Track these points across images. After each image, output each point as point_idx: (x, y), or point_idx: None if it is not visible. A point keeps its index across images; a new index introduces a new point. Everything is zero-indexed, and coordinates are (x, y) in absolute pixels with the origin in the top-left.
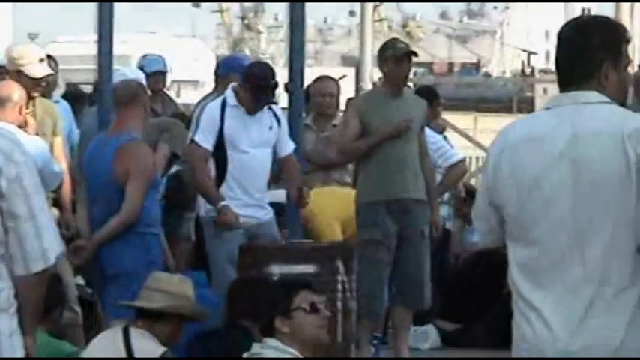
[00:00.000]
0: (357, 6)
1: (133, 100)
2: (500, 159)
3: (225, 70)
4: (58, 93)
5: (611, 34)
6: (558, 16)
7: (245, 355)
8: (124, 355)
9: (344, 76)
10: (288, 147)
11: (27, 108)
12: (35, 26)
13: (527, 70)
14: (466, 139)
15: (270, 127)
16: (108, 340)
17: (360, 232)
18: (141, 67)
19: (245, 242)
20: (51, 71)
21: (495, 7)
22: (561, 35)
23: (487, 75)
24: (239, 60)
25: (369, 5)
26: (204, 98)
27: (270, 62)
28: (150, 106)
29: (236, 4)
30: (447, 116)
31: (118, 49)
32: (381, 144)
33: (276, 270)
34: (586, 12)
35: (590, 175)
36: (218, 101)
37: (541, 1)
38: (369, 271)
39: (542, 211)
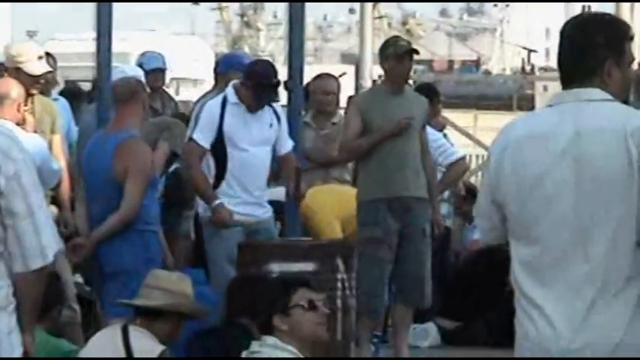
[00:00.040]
0: (356, 3)
1: (132, 98)
2: (502, 156)
3: (224, 67)
4: (56, 90)
5: (615, 31)
6: (559, 14)
7: (244, 353)
8: (122, 353)
9: (344, 73)
10: (287, 145)
11: (25, 105)
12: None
13: (528, 68)
14: (466, 136)
15: (271, 125)
16: (107, 339)
17: (361, 230)
18: (140, 65)
19: (244, 240)
20: (49, 69)
21: (495, 5)
22: (564, 32)
23: (487, 72)
24: (238, 57)
25: (369, 3)
26: (204, 96)
27: (269, 60)
28: (149, 103)
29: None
30: (447, 114)
31: (117, 47)
32: (382, 142)
33: (276, 268)
34: (586, 9)
35: (592, 172)
36: (218, 99)
37: (541, 1)
38: (370, 269)
39: (543, 209)
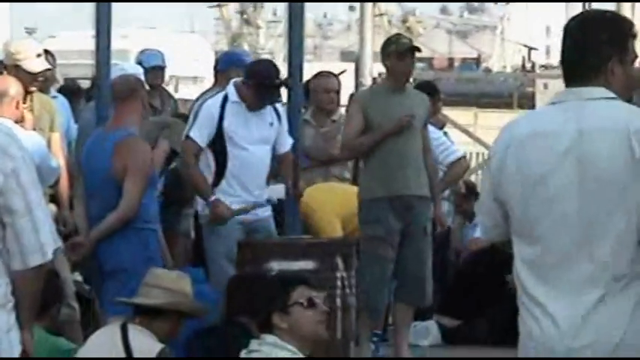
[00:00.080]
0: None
1: (131, 96)
2: (505, 155)
3: (224, 65)
4: (54, 88)
5: (618, 28)
6: (559, 12)
7: (243, 351)
8: (121, 352)
9: (344, 71)
10: (287, 144)
11: (24, 103)
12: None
13: (528, 66)
14: (466, 134)
15: (271, 124)
16: (106, 337)
17: (363, 229)
18: (139, 62)
19: (243, 238)
20: (48, 66)
21: (496, 2)
22: (567, 30)
23: (487, 70)
24: (238, 55)
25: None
26: (205, 93)
27: (269, 57)
28: (148, 101)
29: None
30: (447, 112)
31: (116, 44)
32: (384, 140)
33: (275, 266)
34: (587, 8)
35: (595, 172)
36: (219, 97)
37: (542, 1)
38: (372, 267)
39: (546, 208)
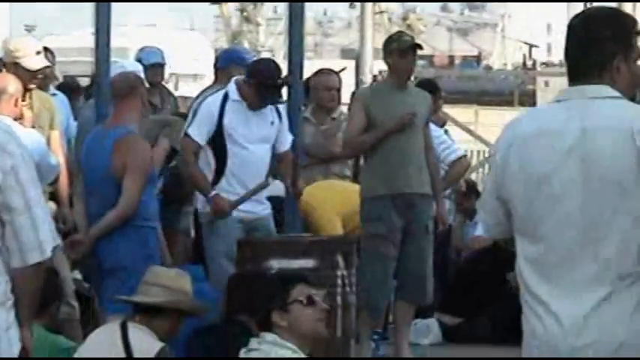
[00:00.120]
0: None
1: (130, 93)
2: (508, 153)
3: (224, 62)
4: (53, 85)
5: (622, 25)
6: (560, 9)
7: (242, 350)
8: (121, 350)
9: (344, 68)
10: (286, 143)
11: (23, 100)
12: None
13: (529, 63)
14: (467, 132)
15: (272, 123)
16: (105, 335)
17: (365, 227)
18: (139, 60)
19: (243, 237)
20: (48, 63)
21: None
22: (571, 26)
23: (488, 68)
24: (238, 52)
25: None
26: (205, 91)
27: (269, 55)
28: (148, 99)
29: None
30: (448, 110)
31: (116, 42)
32: (386, 138)
33: (275, 264)
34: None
35: (599, 172)
36: (219, 95)
37: (543, 1)
38: (374, 266)
39: (549, 208)
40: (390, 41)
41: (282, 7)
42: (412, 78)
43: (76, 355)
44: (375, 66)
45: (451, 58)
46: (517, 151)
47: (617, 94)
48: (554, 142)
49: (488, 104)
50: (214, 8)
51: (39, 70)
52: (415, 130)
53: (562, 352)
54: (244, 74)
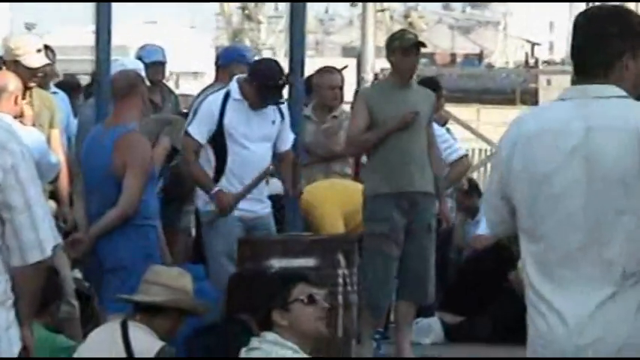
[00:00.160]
0: None
1: (131, 91)
2: (512, 152)
3: (225, 60)
4: (54, 83)
5: (628, 22)
6: (563, 7)
7: (243, 349)
8: (121, 349)
9: (346, 66)
10: (288, 142)
11: (23, 98)
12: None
13: (531, 62)
14: (469, 131)
15: (274, 122)
16: (106, 334)
17: (367, 226)
18: (139, 58)
19: (243, 236)
20: (48, 61)
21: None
22: (577, 24)
23: (490, 66)
24: (239, 50)
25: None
26: (206, 89)
27: (270, 53)
28: (148, 97)
29: None
30: (450, 108)
31: (116, 40)
32: (388, 136)
33: (276, 263)
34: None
35: (603, 172)
36: (220, 94)
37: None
38: (375, 265)
39: (551, 207)
40: (392, 39)
41: (284, 5)
42: (414, 76)
43: (76, 355)
44: (377, 64)
45: (453, 56)
46: (521, 150)
47: (623, 93)
48: (557, 141)
49: (490, 102)
50: (215, 6)
51: (39, 68)
52: (418, 128)
53: (567, 351)
54: (245, 72)
